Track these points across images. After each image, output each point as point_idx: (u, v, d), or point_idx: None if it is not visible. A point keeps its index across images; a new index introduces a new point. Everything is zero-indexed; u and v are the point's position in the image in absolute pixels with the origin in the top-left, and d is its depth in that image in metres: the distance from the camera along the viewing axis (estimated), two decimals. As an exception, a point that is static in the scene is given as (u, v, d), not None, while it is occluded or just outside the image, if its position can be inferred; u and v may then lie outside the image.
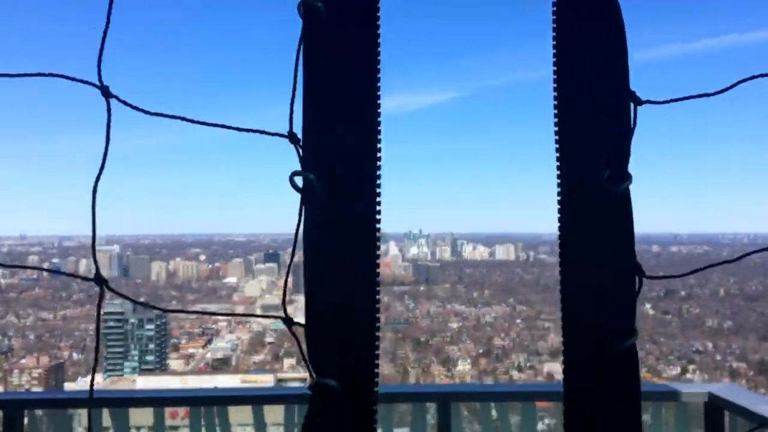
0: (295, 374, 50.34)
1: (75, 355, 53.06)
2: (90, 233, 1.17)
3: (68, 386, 43.31)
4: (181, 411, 3.87)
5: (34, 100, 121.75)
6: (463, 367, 53.26)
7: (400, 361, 54.58)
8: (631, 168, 1.07)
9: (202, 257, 74.38)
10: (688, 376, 49.30)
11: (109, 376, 49.24)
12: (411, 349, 56.53)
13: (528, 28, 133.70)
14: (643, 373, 50.84)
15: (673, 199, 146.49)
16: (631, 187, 1.06)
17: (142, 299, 59.08)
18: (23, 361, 48.32)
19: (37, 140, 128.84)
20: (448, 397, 3.56)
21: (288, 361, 53.94)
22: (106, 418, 3.63)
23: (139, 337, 53.08)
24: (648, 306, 61.75)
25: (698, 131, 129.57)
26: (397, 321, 61.76)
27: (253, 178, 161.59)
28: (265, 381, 45.87)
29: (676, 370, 50.27)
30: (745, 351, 51.45)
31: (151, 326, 53.44)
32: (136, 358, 52.40)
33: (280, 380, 46.28)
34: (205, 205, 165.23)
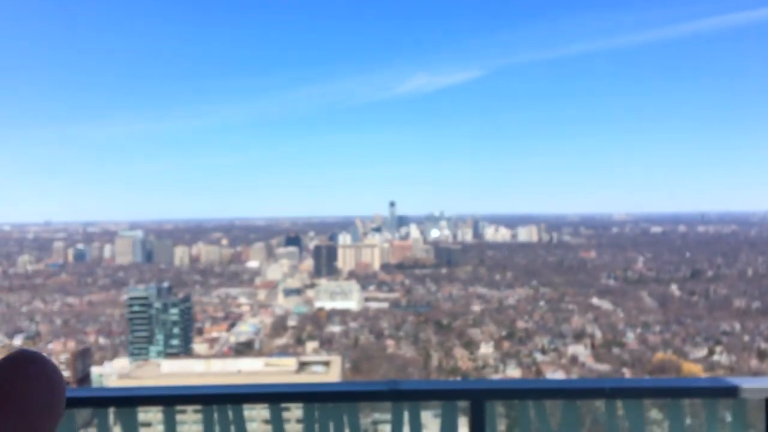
0: (318, 357, 50.49)
1: (101, 340, 53.79)
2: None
3: (95, 370, 43.88)
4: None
5: (57, 86, 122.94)
6: (486, 350, 52.99)
7: (422, 345, 54.48)
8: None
9: (224, 241, 74.78)
10: (715, 358, 48.54)
11: (135, 359, 49.81)
12: (433, 332, 56.37)
13: (552, 4, 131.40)
14: (669, 354, 50.16)
15: (704, 176, 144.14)
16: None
17: (165, 283, 59.60)
18: (50, 346, 48.99)
19: (60, 126, 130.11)
20: (481, 395, 3.25)
21: (311, 345, 54.10)
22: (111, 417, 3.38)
23: (163, 321, 53.60)
24: (674, 287, 60.77)
25: (726, 105, 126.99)
26: (419, 304, 61.65)
27: (272, 161, 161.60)
28: (288, 364, 46.03)
29: (702, 352, 49.51)
30: (774, 332, 50.59)
31: (175, 310, 53.91)
32: (161, 342, 52.96)
33: (303, 363, 46.41)
34: (225, 189, 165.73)
